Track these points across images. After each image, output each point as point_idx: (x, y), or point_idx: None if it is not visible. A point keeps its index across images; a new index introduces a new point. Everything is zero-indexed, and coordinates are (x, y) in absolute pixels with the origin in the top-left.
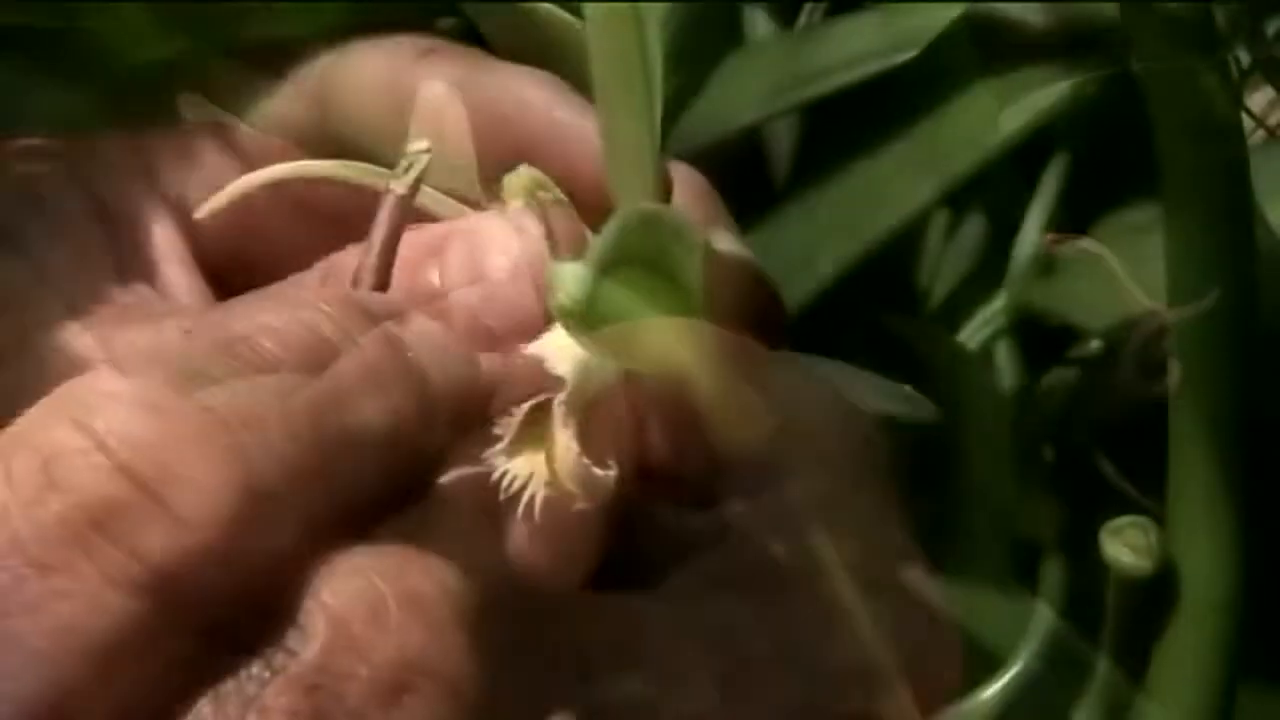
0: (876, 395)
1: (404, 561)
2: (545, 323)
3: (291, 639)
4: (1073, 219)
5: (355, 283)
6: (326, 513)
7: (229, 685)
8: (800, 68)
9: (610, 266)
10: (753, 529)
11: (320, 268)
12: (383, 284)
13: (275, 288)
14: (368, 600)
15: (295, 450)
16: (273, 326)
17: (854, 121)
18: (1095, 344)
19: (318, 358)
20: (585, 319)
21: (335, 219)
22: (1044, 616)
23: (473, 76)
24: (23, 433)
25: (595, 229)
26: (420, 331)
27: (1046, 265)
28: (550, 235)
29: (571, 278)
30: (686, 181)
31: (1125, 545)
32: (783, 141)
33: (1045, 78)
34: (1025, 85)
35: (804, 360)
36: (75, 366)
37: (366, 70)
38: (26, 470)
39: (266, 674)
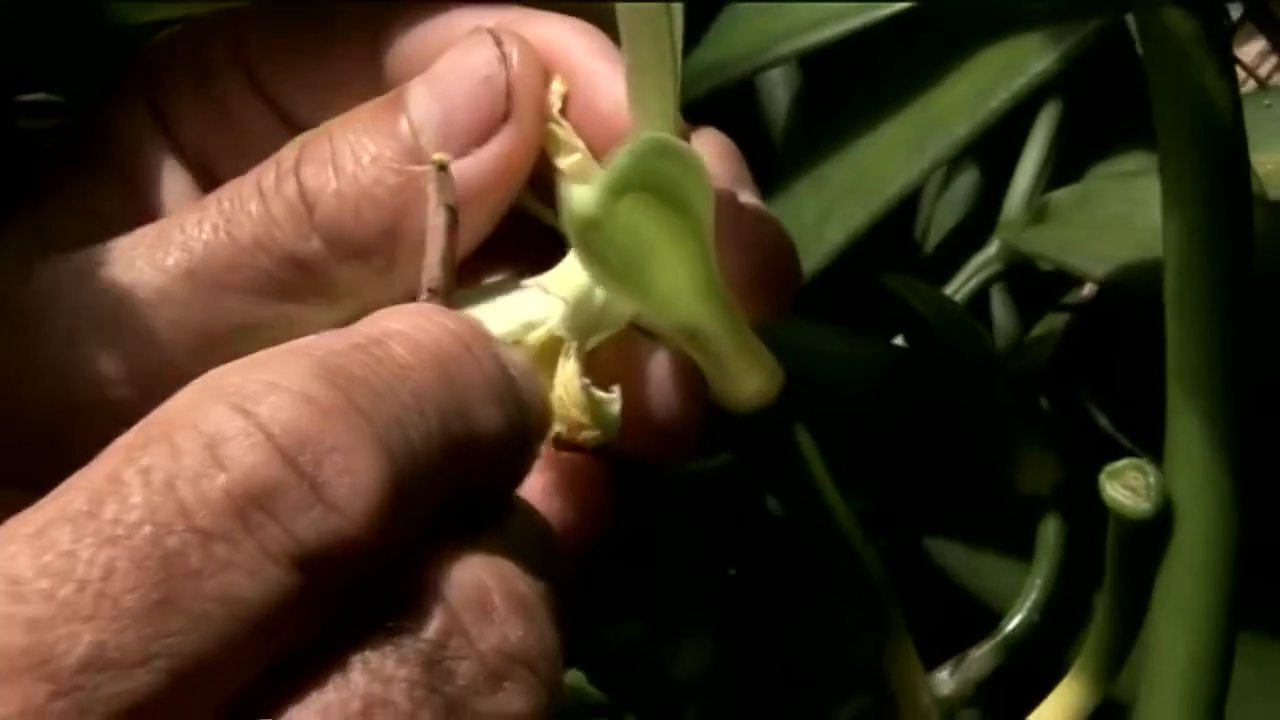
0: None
1: (506, 565)
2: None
3: (412, 620)
4: (1065, 165)
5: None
6: (444, 509)
7: (356, 655)
8: (792, 19)
9: (622, 190)
10: None
11: (296, 142)
12: (450, 276)
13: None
14: (478, 596)
15: (427, 451)
16: (403, 332)
17: (854, 84)
18: (1087, 290)
19: (443, 367)
20: (594, 238)
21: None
22: (1041, 570)
23: (515, 23)
24: (183, 411)
25: None
26: (519, 360)
27: (1040, 212)
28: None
29: (581, 195)
30: (712, 140)
31: (1124, 487)
32: (778, 98)
33: (1041, 38)
34: (1022, 47)
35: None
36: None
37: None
38: (192, 447)
39: (389, 647)
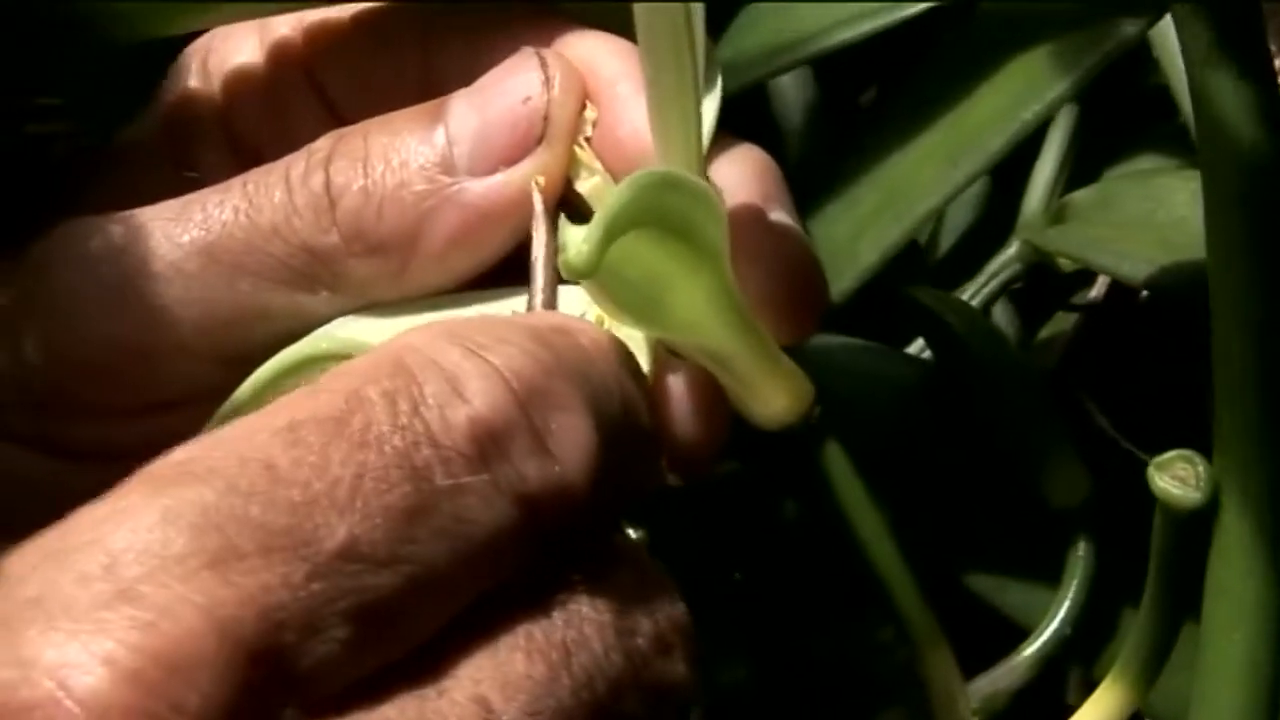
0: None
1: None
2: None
3: (602, 575)
4: (1080, 167)
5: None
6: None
7: (557, 597)
8: (809, 21)
9: (619, 230)
10: None
11: (330, 136)
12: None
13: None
14: (655, 572)
15: (615, 429)
16: (580, 328)
17: (879, 95)
18: (1095, 292)
19: (615, 367)
20: (590, 276)
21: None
22: (1073, 583)
23: (562, 41)
24: (415, 349)
25: None
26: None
27: (1060, 212)
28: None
29: (576, 237)
30: (747, 157)
31: (1173, 478)
32: (790, 101)
33: (1072, 46)
34: (1054, 57)
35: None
36: None
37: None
38: (434, 378)
39: (585, 595)
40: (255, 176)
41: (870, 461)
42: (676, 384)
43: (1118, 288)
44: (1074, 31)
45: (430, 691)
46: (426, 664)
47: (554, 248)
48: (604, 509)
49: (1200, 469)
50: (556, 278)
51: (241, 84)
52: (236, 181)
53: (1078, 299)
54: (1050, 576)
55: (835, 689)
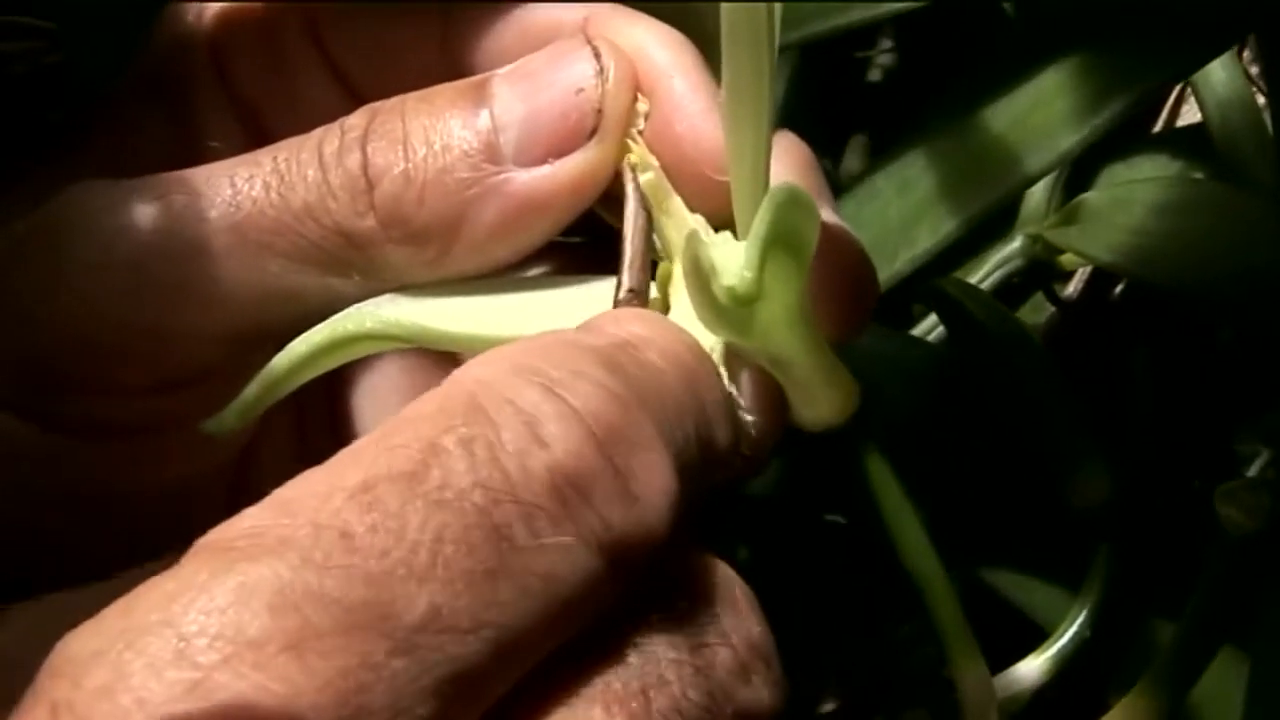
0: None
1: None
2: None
3: (678, 609)
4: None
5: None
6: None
7: (633, 638)
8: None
9: (771, 248)
10: None
11: (365, 111)
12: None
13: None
14: (728, 589)
15: (688, 454)
16: (652, 339)
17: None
18: (1071, 288)
19: (690, 378)
20: (753, 304)
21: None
22: (1094, 584)
23: (605, 23)
24: (491, 386)
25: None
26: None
27: (1072, 212)
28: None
29: (724, 258)
30: (792, 150)
31: (1237, 506)
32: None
33: (1150, 51)
34: (1133, 58)
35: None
36: None
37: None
38: (512, 422)
39: (661, 633)
40: (287, 151)
41: (894, 455)
42: (745, 384)
43: (1095, 283)
44: (1155, 37)
45: None
46: None
47: (648, 235)
48: (679, 534)
49: (1263, 498)
50: (651, 266)
51: (239, 36)
52: (265, 155)
53: (1059, 292)
54: (1071, 577)
55: (860, 686)
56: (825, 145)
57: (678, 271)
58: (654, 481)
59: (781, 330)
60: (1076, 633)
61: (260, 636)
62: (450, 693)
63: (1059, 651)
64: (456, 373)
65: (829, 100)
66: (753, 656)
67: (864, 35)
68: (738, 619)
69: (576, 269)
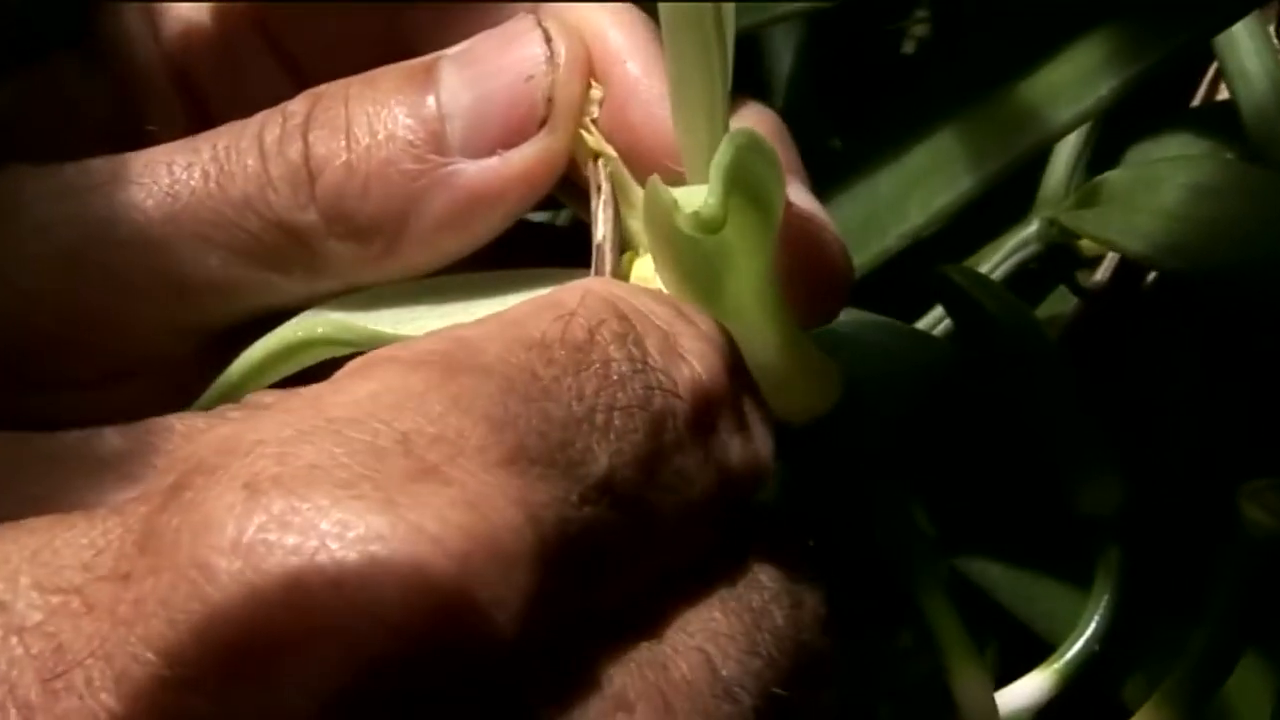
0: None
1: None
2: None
3: (749, 571)
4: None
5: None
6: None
7: (736, 569)
8: None
9: (733, 182)
10: None
11: (308, 96)
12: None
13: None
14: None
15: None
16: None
17: (936, 59)
18: (1099, 275)
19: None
20: (719, 230)
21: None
22: (1102, 596)
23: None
24: (626, 296)
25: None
26: None
27: (1090, 194)
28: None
29: (683, 198)
30: (762, 120)
31: (1263, 507)
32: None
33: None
34: (1135, 32)
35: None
36: None
37: None
38: (654, 333)
39: (759, 563)
40: (225, 137)
41: (887, 449)
42: None
43: (1124, 272)
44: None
45: (652, 642)
46: (641, 618)
47: (618, 226)
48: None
49: None
50: (618, 260)
51: (183, 16)
52: (205, 141)
53: (1083, 281)
54: (1079, 585)
55: (856, 695)
56: (841, 121)
57: (640, 263)
58: (764, 432)
59: (751, 305)
60: (1084, 646)
61: (482, 444)
62: (607, 560)
63: (1066, 664)
64: (580, 281)
65: (855, 73)
66: (823, 606)
67: (899, 5)
68: (808, 575)
69: (538, 256)
